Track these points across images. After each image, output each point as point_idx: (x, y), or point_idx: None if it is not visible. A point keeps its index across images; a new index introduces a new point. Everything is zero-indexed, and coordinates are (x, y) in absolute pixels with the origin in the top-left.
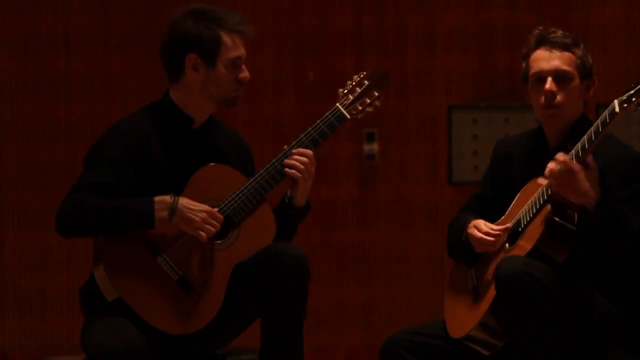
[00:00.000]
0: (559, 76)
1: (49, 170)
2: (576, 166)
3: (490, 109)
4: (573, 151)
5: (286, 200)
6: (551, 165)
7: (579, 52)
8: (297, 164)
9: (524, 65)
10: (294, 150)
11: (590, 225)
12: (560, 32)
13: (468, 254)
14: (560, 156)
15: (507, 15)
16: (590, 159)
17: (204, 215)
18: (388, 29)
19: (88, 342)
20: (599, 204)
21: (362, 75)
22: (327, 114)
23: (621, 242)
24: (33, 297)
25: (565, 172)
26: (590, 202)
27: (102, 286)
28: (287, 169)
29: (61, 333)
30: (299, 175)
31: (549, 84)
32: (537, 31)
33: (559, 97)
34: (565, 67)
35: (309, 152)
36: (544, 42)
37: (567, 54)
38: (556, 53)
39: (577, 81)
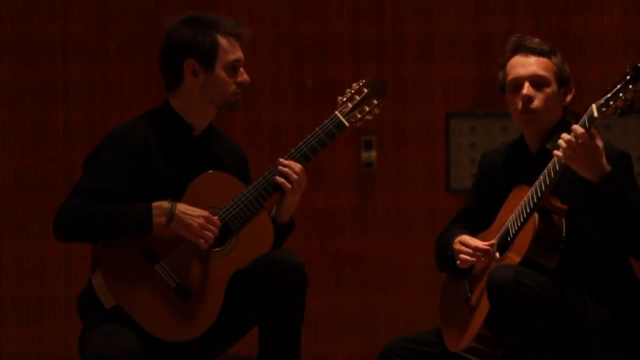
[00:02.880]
0: (535, 81)
1: (46, 178)
2: (590, 138)
3: (488, 116)
4: (550, 164)
5: (270, 217)
6: (566, 136)
7: (556, 59)
8: (289, 172)
9: (500, 74)
10: (284, 161)
11: (599, 199)
12: (537, 39)
13: (456, 268)
14: (577, 128)
15: (505, 23)
16: (596, 133)
17: (201, 220)
18: (386, 37)
19: (86, 350)
20: (607, 178)
21: (361, 83)
22: (326, 122)
23: (628, 214)
24: (30, 304)
25: (582, 144)
26: (599, 176)
27: (100, 293)
28: (277, 177)
29: (59, 340)
30: (289, 185)
31: (526, 89)
32: (513, 39)
33: (536, 102)
34: (542, 72)
35: (300, 165)
36: (520, 48)
37: (543, 60)
38: (533, 58)
39: (554, 87)
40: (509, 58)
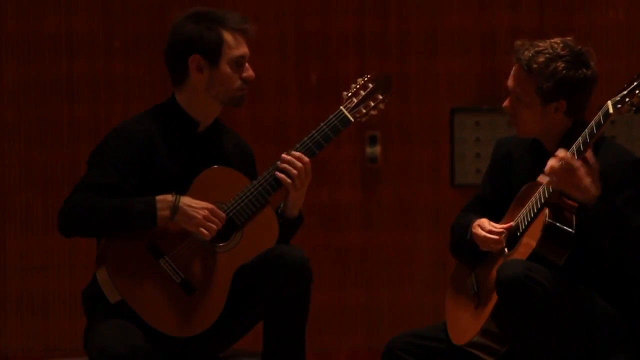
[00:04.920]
0: (514, 96)
1: (51, 173)
2: (576, 162)
3: (492, 111)
4: (574, 147)
5: (279, 212)
6: (552, 161)
7: (538, 77)
8: (289, 167)
9: None
10: (289, 155)
11: (591, 222)
12: (547, 45)
13: (472, 253)
14: (561, 152)
15: (510, 18)
16: (590, 154)
17: (205, 212)
18: (391, 32)
19: (91, 345)
20: (599, 200)
21: (366, 78)
22: (331, 117)
23: (622, 239)
24: (35, 299)
25: (566, 169)
26: (591, 198)
27: (105, 288)
28: (277, 173)
29: (64, 335)
30: (289, 181)
31: (506, 101)
32: (521, 43)
33: (514, 115)
34: (520, 90)
35: (305, 159)
36: (515, 55)
37: (525, 78)
38: (517, 76)
39: (534, 104)
40: None
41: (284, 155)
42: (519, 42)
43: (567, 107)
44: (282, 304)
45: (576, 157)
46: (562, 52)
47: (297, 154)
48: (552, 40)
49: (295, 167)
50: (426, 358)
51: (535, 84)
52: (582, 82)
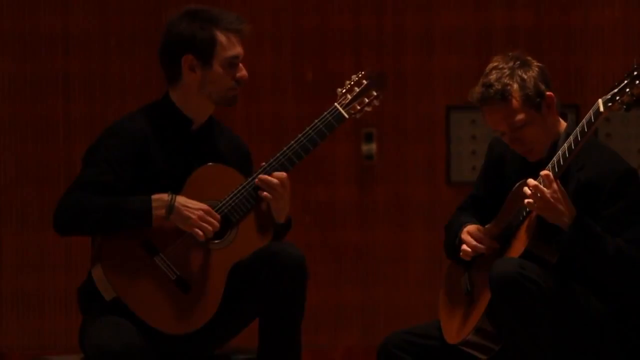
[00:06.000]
0: (513, 128)
1: (47, 170)
2: (549, 190)
3: None
4: (565, 145)
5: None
6: (531, 182)
7: (518, 89)
8: (270, 183)
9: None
10: (262, 177)
11: (566, 246)
12: (495, 73)
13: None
14: (530, 182)
15: (506, 16)
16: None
17: (200, 213)
18: (387, 30)
19: (86, 342)
20: (572, 226)
21: (360, 75)
22: (325, 113)
23: (597, 264)
24: (31, 297)
25: (540, 194)
26: (565, 223)
27: (100, 286)
28: (259, 191)
29: (59, 332)
30: (269, 196)
31: (510, 141)
32: (476, 91)
33: (525, 143)
34: (515, 119)
35: (283, 174)
36: (484, 102)
37: (509, 106)
38: (500, 114)
39: (532, 117)
40: (480, 108)
41: (260, 177)
42: (472, 92)
43: (554, 97)
44: (278, 302)
45: (567, 154)
46: (510, 64)
47: (274, 174)
48: (492, 66)
49: (271, 185)
50: (421, 356)
51: (519, 102)
52: (545, 70)
